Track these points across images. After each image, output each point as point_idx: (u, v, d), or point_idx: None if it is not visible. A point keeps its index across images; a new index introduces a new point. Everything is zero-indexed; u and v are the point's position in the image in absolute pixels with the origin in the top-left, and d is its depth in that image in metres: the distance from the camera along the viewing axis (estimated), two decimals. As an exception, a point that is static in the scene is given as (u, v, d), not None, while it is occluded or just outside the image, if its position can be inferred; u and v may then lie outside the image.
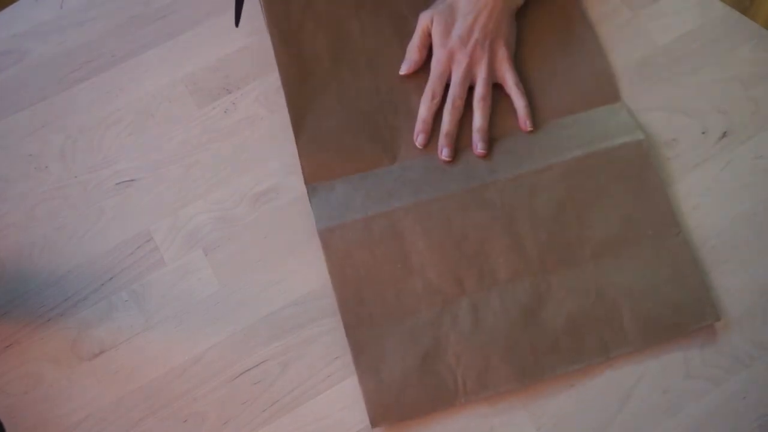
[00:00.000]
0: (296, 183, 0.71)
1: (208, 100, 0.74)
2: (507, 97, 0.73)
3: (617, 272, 0.67)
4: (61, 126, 0.73)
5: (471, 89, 0.73)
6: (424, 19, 0.74)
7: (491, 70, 0.73)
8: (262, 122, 0.74)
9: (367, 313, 0.65)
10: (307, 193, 0.69)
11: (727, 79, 0.75)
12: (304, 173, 0.70)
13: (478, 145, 0.71)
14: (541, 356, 0.64)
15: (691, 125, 0.73)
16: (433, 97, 0.72)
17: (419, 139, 0.71)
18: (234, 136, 0.73)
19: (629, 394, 0.64)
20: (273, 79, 0.74)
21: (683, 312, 0.65)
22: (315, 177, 0.70)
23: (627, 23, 0.77)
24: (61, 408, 0.63)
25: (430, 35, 0.74)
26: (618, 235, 0.68)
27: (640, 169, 0.70)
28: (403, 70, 0.74)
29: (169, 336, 0.66)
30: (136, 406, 0.63)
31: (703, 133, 0.73)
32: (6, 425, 0.62)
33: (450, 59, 0.73)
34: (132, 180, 0.71)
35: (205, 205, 0.70)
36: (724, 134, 0.73)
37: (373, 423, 0.62)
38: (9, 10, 0.78)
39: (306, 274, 0.68)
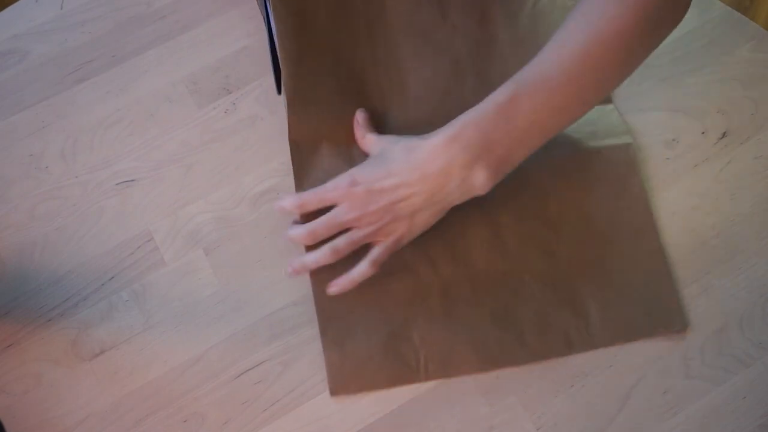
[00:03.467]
0: (296, 183, 0.71)
1: (208, 100, 0.74)
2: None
3: (591, 272, 0.66)
4: (61, 126, 0.73)
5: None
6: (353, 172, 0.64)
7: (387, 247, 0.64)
8: (262, 122, 0.74)
9: None
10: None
11: (727, 79, 0.74)
12: (290, 132, 0.70)
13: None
14: (507, 347, 0.64)
15: (691, 125, 0.73)
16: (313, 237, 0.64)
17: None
18: (234, 136, 0.73)
19: (629, 395, 0.64)
20: (273, 80, 0.74)
21: (651, 317, 0.65)
22: (301, 137, 0.70)
23: (627, 23, 0.77)
24: (61, 408, 0.63)
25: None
26: (597, 235, 0.68)
27: (624, 173, 0.70)
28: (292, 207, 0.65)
29: (169, 336, 0.66)
30: (136, 407, 0.63)
31: (703, 133, 0.73)
32: (6, 425, 0.62)
33: (355, 219, 0.63)
34: (132, 180, 0.71)
35: (205, 205, 0.70)
36: (724, 134, 0.72)
37: (332, 392, 0.63)
38: (9, 10, 0.78)
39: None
